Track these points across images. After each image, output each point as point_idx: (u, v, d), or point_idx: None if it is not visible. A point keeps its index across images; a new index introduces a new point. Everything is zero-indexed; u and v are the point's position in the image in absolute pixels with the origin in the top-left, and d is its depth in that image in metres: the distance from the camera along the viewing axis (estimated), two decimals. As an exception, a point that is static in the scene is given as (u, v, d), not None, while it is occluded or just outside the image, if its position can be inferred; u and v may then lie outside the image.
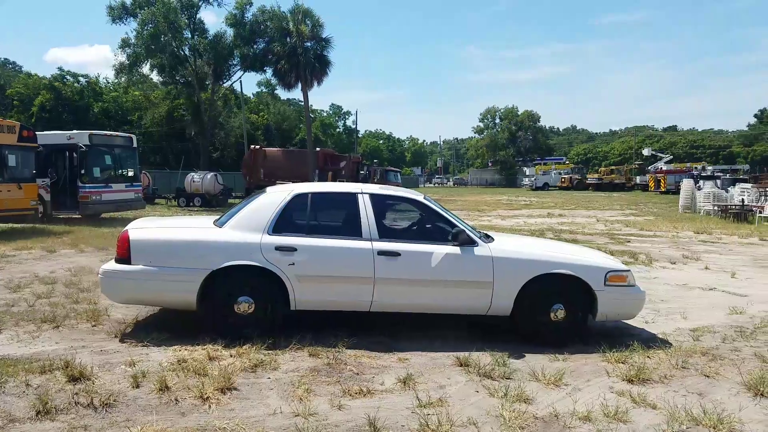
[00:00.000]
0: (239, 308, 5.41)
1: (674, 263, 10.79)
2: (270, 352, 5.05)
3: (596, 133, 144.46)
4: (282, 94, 61.56)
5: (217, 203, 30.45)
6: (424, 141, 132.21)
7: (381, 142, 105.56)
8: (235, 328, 5.38)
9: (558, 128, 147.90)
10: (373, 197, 5.81)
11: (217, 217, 6.19)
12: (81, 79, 56.99)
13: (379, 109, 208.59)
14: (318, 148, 36.76)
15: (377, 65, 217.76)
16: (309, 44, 34.64)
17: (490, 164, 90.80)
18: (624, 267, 5.91)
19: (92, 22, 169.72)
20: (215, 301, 5.42)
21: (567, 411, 3.98)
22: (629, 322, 6.24)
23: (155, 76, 38.97)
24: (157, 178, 35.31)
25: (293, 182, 28.83)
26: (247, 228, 5.56)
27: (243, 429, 3.60)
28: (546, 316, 5.55)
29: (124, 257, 5.47)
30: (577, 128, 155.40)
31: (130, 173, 19.89)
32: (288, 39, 34.34)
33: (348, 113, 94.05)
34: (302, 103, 43.00)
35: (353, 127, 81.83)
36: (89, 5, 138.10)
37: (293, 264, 5.44)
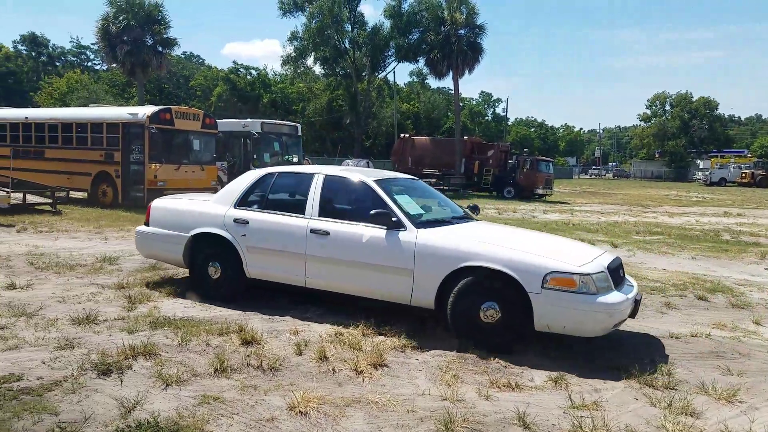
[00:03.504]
0: (210, 272, 6.21)
1: None
2: (419, 335, 5.18)
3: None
4: (432, 82, 62.17)
5: (368, 189, 31.73)
6: (581, 129, 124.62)
7: (532, 130, 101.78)
8: (207, 289, 6.22)
9: (739, 117, 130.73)
10: (326, 178, 6.00)
11: None
12: (252, 71, 62.61)
13: (531, 96, 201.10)
14: (466, 137, 36.55)
15: (529, 51, 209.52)
16: (462, 32, 34.43)
17: (657, 155, 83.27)
18: (579, 270, 4.69)
19: (263, 17, 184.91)
20: (195, 263, 6.35)
21: (741, 430, 3.57)
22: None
23: (318, 69, 41.52)
24: (317, 164, 37.69)
25: (440, 170, 28.63)
26: (221, 201, 6.37)
27: (393, 405, 3.75)
28: (474, 315, 4.88)
29: (147, 221, 6.73)
30: (762, 117, 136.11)
31: (295, 159, 21.45)
32: (442, 27, 34.45)
33: (498, 101, 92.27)
34: (452, 92, 43.02)
35: (503, 114, 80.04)
36: (262, 1, 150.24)
37: (245, 235, 6.01)
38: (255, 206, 6.17)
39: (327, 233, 5.62)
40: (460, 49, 33.79)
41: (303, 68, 41.69)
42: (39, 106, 39.38)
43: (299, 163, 21.59)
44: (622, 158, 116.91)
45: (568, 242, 6.08)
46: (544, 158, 34.98)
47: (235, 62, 64.01)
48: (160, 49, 32.60)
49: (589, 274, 4.68)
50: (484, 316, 4.87)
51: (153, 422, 3.31)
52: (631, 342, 5.38)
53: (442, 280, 5.04)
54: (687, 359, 4.95)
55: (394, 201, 5.62)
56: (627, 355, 4.88)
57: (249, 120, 20.88)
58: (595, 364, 4.71)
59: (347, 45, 38.07)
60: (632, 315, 5.05)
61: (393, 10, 36.49)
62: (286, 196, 6.36)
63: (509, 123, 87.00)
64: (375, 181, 5.85)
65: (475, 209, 6.76)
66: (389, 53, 39.08)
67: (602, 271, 4.82)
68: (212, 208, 6.35)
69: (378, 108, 48.63)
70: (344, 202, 6.01)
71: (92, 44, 66.58)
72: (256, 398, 3.79)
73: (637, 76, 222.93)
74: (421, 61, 38.60)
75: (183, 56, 67.17)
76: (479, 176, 32.15)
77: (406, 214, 5.50)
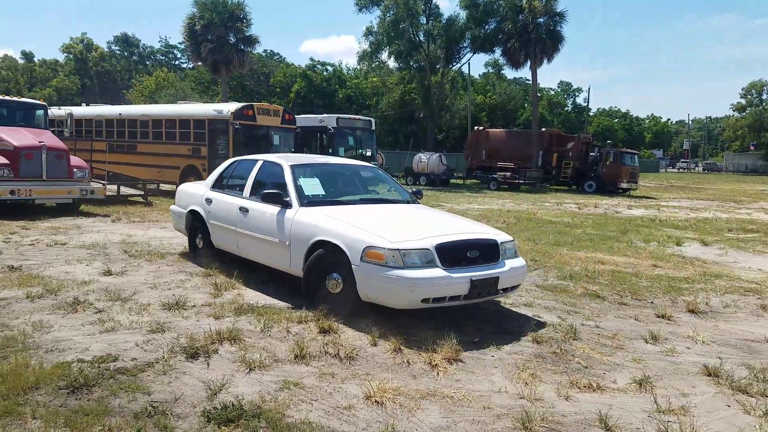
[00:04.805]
0: (197, 241, 7.77)
1: None
2: (493, 331, 5.12)
3: None
4: (509, 73, 60.81)
5: (440, 183, 31.53)
6: (669, 120, 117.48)
7: (615, 120, 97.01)
8: (196, 256, 7.70)
9: None
10: (263, 163, 6.96)
11: None
12: (328, 67, 63.71)
13: (615, 85, 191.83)
14: (543, 128, 35.45)
15: (614, 38, 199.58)
16: (541, 20, 33.40)
17: (751, 148, 77.50)
18: (391, 246, 4.91)
19: (340, 13, 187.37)
20: (191, 233, 7.92)
21: None
22: None
23: (392, 63, 41.54)
24: (389, 158, 37.83)
25: (515, 164, 28.04)
26: (206, 184, 7.75)
27: (469, 401, 3.73)
28: (322, 284, 5.45)
29: (175, 202, 8.33)
30: None
31: (368, 153, 21.64)
32: (520, 16, 33.56)
33: (578, 90, 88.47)
34: (529, 82, 41.90)
35: (584, 105, 76.89)
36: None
37: (210, 212, 7.30)
38: (220, 188, 7.43)
39: (247, 210, 6.56)
40: (538, 37, 32.81)
41: (378, 62, 41.83)
42: (131, 103, 42.02)
43: (372, 156, 21.77)
44: (713, 151, 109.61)
45: (443, 222, 6.05)
46: (629, 150, 33.34)
47: (312, 59, 65.52)
48: (241, 47, 33.76)
49: (399, 249, 4.91)
50: (330, 286, 5.40)
51: (237, 405, 3.47)
52: (730, 347, 5.06)
53: (305, 252, 5.60)
54: (787, 367, 4.58)
55: (295, 183, 6.28)
56: (717, 357, 4.59)
57: (325, 115, 21.31)
58: (682, 367, 4.47)
59: (422, 38, 37.78)
60: (471, 295, 5.07)
61: (469, 0, 35.89)
62: (237, 180, 7.28)
63: (591, 113, 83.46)
64: (290, 165, 6.57)
65: (418, 194, 7.30)
66: (464, 44, 38.43)
67: (423, 249, 5.00)
68: (199, 189, 7.79)
69: (451, 100, 48.02)
70: (268, 183, 6.64)
71: (179, 44, 70.20)
72: (334, 386, 3.88)
73: (730, 64, 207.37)
74: (497, 52, 37.82)
75: (264, 54, 69.29)
76: (558, 169, 31.14)
77: (300, 194, 6.14)
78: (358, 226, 5.33)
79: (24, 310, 5.26)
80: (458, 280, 4.96)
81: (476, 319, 5.39)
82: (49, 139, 12.43)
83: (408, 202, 6.89)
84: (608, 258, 9.15)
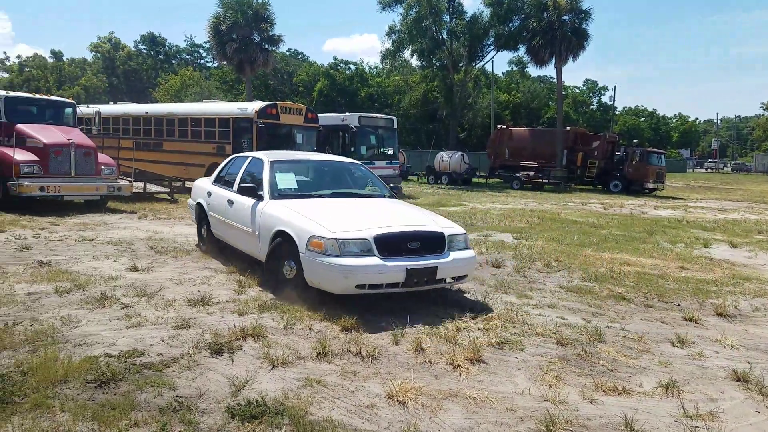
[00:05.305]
0: (202, 231, 8.24)
1: None
2: (516, 332, 5.08)
3: None
4: (533, 71, 60.09)
5: (462, 182, 31.34)
6: (696, 119, 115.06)
7: (642, 119, 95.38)
8: (202, 245, 8.24)
9: None
10: (251, 159, 7.36)
11: None
12: (351, 66, 63.82)
13: (641, 84, 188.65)
14: (568, 127, 34.99)
15: (638, 36, 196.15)
16: (566, 17, 32.98)
17: (782, 147, 75.57)
18: (330, 235, 5.26)
19: (362, 12, 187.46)
20: (199, 223, 8.44)
21: None
22: None
23: (414, 61, 41.38)
24: (410, 156, 37.75)
25: (539, 163, 27.91)
26: (210, 179, 8.30)
27: (492, 402, 3.70)
28: (280, 270, 5.81)
29: (191, 195, 8.93)
30: None
31: (390, 152, 21.62)
32: (545, 14, 33.19)
33: (604, 89, 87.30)
34: (553, 80, 41.34)
35: (609, 103, 75.71)
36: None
37: (209, 204, 7.83)
38: (219, 182, 7.92)
39: (233, 202, 7.02)
40: (563, 35, 32.41)
41: (400, 61, 41.70)
42: (157, 102, 42.62)
43: (394, 155, 21.73)
44: (743, 151, 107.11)
45: (397, 215, 6.19)
46: (656, 150, 32.73)
47: (335, 58, 65.83)
48: (266, 46, 34.01)
49: (337, 239, 5.25)
50: (285, 272, 5.75)
51: (261, 401, 3.49)
52: (745, 348, 4.94)
53: (269, 241, 5.98)
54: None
55: (271, 178, 6.64)
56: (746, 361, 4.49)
57: (347, 114, 21.33)
58: (711, 372, 4.38)
59: (445, 36, 37.56)
60: (408, 284, 5.32)
61: (493, -3, 35.55)
62: (231, 175, 7.67)
63: (616, 112, 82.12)
64: (270, 161, 6.94)
65: (395, 189, 7.43)
66: (488, 42, 38.09)
67: (362, 239, 5.32)
68: (205, 183, 8.41)
69: (474, 99, 47.64)
70: (251, 178, 7.02)
71: (204, 43, 70.96)
72: (356, 384, 3.89)
73: (761, 62, 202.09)
74: (522, 49, 37.40)
75: (287, 53, 69.68)
76: (582, 169, 30.74)
77: (272, 188, 6.52)
78: (310, 217, 5.67)
79: (53, 304, 5.38)
80: (393, 268, 5.25)
81: (498, 320, 5.35)
82: (77, 136, 12.68)
83: (384, 197, 7.13)
84: (634, 259, 9.01)
